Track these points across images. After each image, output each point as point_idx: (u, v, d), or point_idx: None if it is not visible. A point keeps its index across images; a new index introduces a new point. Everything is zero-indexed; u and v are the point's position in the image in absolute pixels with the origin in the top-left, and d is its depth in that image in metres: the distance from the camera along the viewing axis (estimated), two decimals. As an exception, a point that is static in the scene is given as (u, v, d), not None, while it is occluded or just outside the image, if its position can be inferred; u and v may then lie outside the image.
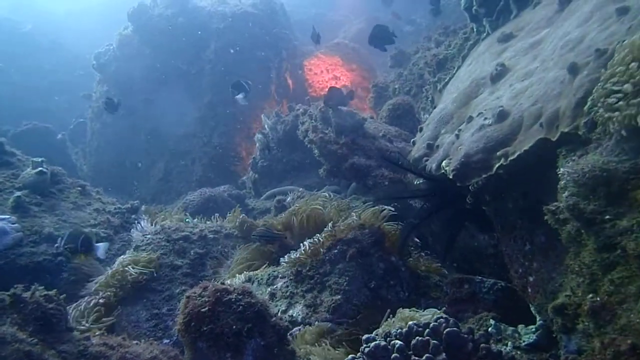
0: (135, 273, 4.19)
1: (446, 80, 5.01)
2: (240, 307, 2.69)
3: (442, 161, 3.23)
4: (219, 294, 2.73)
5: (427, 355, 2.25)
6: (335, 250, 3.86)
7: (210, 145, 13.78)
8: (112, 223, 5.64)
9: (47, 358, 2.71)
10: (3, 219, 4.56)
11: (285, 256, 4.12)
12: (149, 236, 4.92)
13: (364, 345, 2.51)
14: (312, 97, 12.28)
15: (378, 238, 3.93)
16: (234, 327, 2.65)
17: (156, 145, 13.89)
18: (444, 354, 2.24)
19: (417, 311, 3.25)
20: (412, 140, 4.70)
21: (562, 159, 2.37)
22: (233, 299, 2.72)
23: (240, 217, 5.29)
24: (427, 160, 3.66)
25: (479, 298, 3.41)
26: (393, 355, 2.27)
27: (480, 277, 3.51)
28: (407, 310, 3.20)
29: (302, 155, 9.36)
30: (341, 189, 8.14)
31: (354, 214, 4.22)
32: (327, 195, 5.47)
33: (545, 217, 2.31)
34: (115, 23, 13.61)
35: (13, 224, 4.58)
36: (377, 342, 2.40)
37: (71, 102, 17.11)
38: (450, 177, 2.92)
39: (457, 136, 3.19)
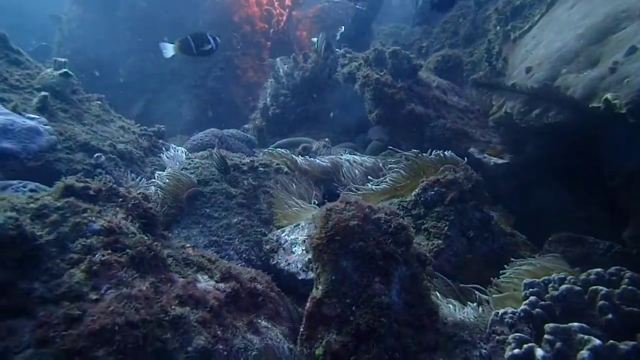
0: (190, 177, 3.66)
1: (525, 28, 4.69)
2: (392, 228, 2.31)
3: (588, 98, 2.91)
4: (366, 210, 2.33)
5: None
6: (432, 192, 3.52)
7: (203, 88, 12.99)
8: (141, 144, 5.01)
9: (165, 257, 2.25)
10: (33, 118, 3.87)
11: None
12: (196, 160, 4.38)
13: (528, 290, 2.21)
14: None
15: (475, 184, 3.62)
16: (386, 248, 2.28)
17: (137, 83, 12.90)
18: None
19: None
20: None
21: None
22: (382, 219, 2.33)
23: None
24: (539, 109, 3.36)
25: (594, 261, 3.18)
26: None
27: (593, 238, 3.29)
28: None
29: (318, 107, 8.88)
30: (357, 147, 7.79)
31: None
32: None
33: None
34: None
35: (45, 125, 3.91)
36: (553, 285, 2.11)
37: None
38: (623, 111, 2.60)
39: (613, 70, 2.86)
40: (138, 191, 2.60)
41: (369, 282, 2.23)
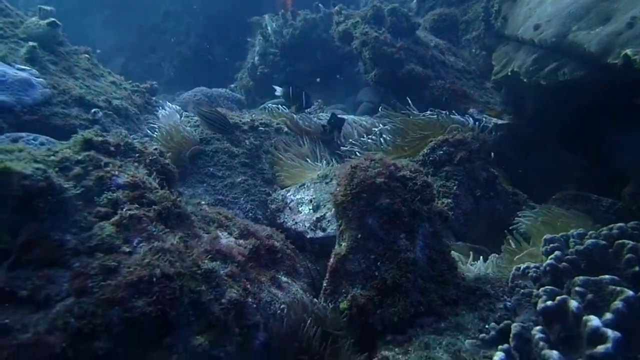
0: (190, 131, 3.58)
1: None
2: (417, 185, 2.32)
3: (604, 54, 2.88)
4: (392, 167, 2.33)
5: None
6: (441, 152, 3.54)
7: (185, 44, 12.59)
8: (135, 101, 4.84)
9: (189, 213, 2.22)
10: (24, 70, 3.66)
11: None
12: (195, 118, 4.27)
13: (548, 246, 2.28)
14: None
15: (482, 144, 3.66)
16: (412, 206, 2.30)
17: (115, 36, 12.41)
18: None
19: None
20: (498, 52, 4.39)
21: None
22: (407, 176, 2.34)
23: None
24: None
25: (597, 217, 3.28)
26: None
27: (596, 196, 3.39)
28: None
29: (308, 66, 8.73)
30: (347, 109, 7.73)
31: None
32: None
33: None
34: None
35: (37, 77, 3.71)
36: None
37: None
38: None
39: (631, 25, 2.84)
40: (154, 146, 2.53)
41: (395, 238, 2.26)
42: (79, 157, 2.09)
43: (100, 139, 2.24)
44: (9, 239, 1.66)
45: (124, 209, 1.98)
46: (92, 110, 3.91)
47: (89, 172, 2.06)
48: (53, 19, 4.48)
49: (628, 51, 2.67)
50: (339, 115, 4.94)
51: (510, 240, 2.86)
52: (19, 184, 1.67)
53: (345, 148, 4.21)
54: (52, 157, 2.03)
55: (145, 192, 2.10)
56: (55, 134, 3.45)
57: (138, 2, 12.24)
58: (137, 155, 2.35)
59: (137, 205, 2.02)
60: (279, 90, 4.77)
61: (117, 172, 2.11)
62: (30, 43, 4.09)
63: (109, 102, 4.32)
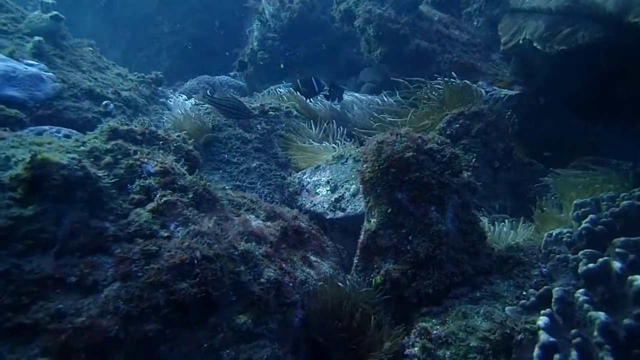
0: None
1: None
2: (446, 157, 2.32)
3: (624, 13, 2.84)
4: (419, 140, 2.33)
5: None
6: (457, 125, 3.54)
7: (182, 34, 12.42)
8: (142, 92, 4.81)
9: (219, 197, 2.22)
10: (33, 65, 3.63)
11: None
12: (206, 105, 4.25)
13: (580, 210, 2.29)
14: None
15: (497, 116, 3.65)
16: (441, 178, 2.30)
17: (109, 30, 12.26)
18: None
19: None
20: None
21: None
22: (435, 148, 2.34)
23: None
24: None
25: (617, 181, 3.28)
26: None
27: (615, 160, 3.39)
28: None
29: (308, 49, 8.63)
30: (349, 90, 7.67)
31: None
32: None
33: None
34: None
35: (47, 72, 3.68)
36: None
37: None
38: None
39: None
40: (176, 133, 2.52)
41: (425, 211, 2.26)
42: (108, 147, 2.09)
43: (125, 127, 2.24)
44: (53, 228, 1.66)
45: (158, 195, 1.98)
46: (104, 103, 3.88)
47: (118, 160, 2.06)
48: (56, 12, 4.43)
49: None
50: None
51: (543, 206, 2.85)
52: (58, 174, 1.67)
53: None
54: (82, 148, 2.03)
55: (176, 178, 2.10)
56: (69, 127, 3.44)
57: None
58: (161, 142, 2.34)
59: (170, 191, 2.02)
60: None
61: (146, 160, 2.11)
62: (36, 38, 4.05)
63: (117, 93, 4.29)
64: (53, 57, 4.21)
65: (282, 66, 8.07)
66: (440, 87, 3.83)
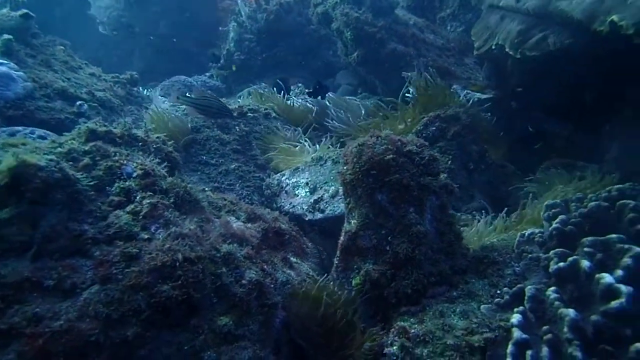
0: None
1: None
2: (424, 160, 2.37)
3: (590, 22, 2.94)
4: (398, 143, 2.37)
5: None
6: (434, 128, 3.61)
7: (155, 34, 12.25)
8: (117, 93, 4.73)
9: (200, 199, 2.21)
10: (2, 63, 3.53)
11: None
12: (183, 107, 4.22)
13: (550, 211, 2.38)
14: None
15: (473, 119, 3.74)
16: (420, 180, 2.35)
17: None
18: None
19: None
20: (478, 26, 4.46)
21: None
22: (414, 150, 2.39)
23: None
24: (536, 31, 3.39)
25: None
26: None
27: (582, 162, 3.52)
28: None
29: (285, 51, 8.64)
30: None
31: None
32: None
33: None
34: None
35: (17, 71, 3.58)
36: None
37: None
38: (631, 32, 2.66)
39: None
40: (156, 135, 2.50)
41: (405, 212, 2.31)
42: (86, 148, 2.07)
43: (104, 129, 2.21)
44: (30, 231, 1.64)
45: (138, 197, 1.97)
46: (77, 103, 3.81)
47: (97, 162, 2.04)
48: (26, 11, 4.32)
49: (614, 17, 2.74)
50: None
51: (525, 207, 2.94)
52: (36, 176, 1.64)
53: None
54: (59, 149, 2.00)
55: (157, 180, 2.09)
56: (41, 128, 3.36)
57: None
58: (140, 144, 2.33)
59: (150, 193, 2.01)
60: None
61: (125, 161, 2.09)
62: (5, 36, 3.94)
63: (92, 94, 4.22)
64: (24, 56, 4.10)
65: (234, 68, 8.10)
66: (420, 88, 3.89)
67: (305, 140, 4.37)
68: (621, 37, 2.66)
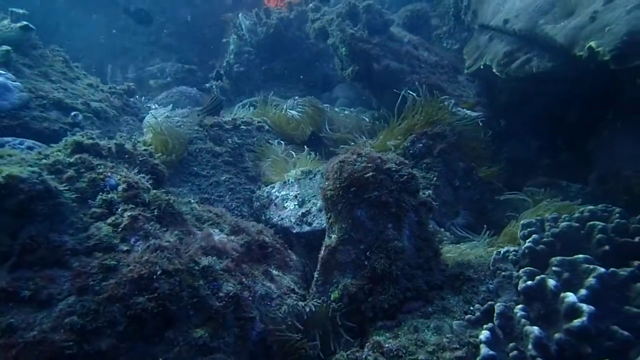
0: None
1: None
2: (403, 177, 2.42)
3: (570, 47, 3.01)
4: (378, 160, 2.43)
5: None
6: (420, 145, 3.67)
7: (157, 44, 12.44)
8: (114, 103, 4.81)
9: (182, 211, 2.26)
10: (0, 74, 3.62)
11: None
12: (177, 119, 4.29)
13: (526, 230, 2.42)
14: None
15: (460, 136, 3.80)
16: (399, 197, 2.40)
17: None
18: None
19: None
20: (471, 44, 4.55)
21: None
22: (393, 168, 2.44)
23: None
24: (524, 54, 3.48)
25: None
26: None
27: (566, 182, 3.57)
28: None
29: (284, 64, 8.74)
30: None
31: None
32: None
33: None
34: None
35: (14, 81, 3.67)
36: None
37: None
38: (607, 58, 2.73)
39: (593, 19, 2.99)
40: (143, 147, 2.57)
41: (383, 228, 2.36)
42: (71, 160, 2.12)
43: (90, 141, 2.27)
44: (9, 242, 1.69)
45: (119, 209, 2.02)
46: (72, 114, 3.88)
47: (81, 174, 2.10)
48: (26, 23, 4.42)
49: (592, 43, 2.82)
50: None
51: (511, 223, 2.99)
52: (17, 188, 1.70)
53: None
54: (44, 161, 2.06)
55: (139, 192, 2.14)
56: (35, 138, 3.43)
57: (106, 1, 12.01)
58: (127, 156, 2.38)
59: (132, 205, 2.06)
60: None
61: (109, 174, 2.14)
62: (4, 47, 4.03)
63: (87, 104, 4.29)
64: (21, 66, 4.19)
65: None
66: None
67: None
68: (599, 63, 2.73)
